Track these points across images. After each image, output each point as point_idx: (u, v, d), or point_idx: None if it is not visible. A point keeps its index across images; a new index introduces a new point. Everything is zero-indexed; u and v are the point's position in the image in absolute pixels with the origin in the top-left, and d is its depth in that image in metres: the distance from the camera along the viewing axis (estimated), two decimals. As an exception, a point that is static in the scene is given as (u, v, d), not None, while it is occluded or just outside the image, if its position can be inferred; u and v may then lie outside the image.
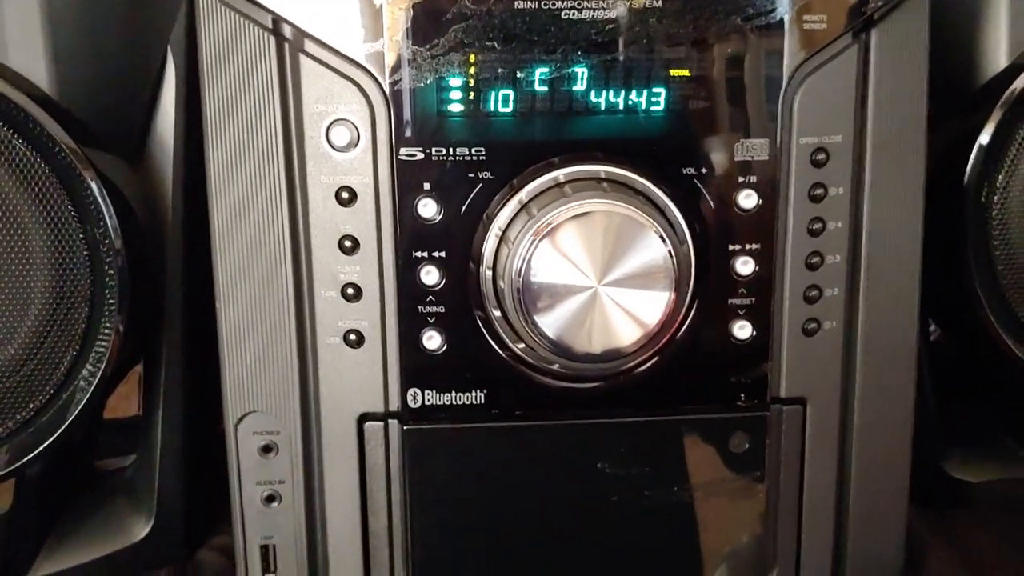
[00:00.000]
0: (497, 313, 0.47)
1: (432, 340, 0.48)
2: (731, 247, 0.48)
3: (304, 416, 0.49)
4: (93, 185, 0.52)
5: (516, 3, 0.45)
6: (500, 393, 0.49)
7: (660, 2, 0.45)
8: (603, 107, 0.46)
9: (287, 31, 0.46)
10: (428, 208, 0.46)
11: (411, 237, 0.47)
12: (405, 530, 0.50)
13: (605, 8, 0.45)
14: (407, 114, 0.46)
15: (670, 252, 0.44)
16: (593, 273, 0.44)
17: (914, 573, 0.57)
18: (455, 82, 0.45)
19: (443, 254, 0.47)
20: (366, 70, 0.46)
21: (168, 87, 0.57)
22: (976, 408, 0.71)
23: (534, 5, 0.45)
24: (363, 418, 0.49)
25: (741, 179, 0.47)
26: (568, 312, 0.45)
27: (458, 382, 0.48)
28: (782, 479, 0.51)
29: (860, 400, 0.51)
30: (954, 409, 0.69)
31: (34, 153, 0.51)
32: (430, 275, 0.47)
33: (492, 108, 0.46)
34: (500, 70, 0.45)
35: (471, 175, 0.46)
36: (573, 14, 0.45)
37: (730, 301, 0.48)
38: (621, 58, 0.46)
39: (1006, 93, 0.51)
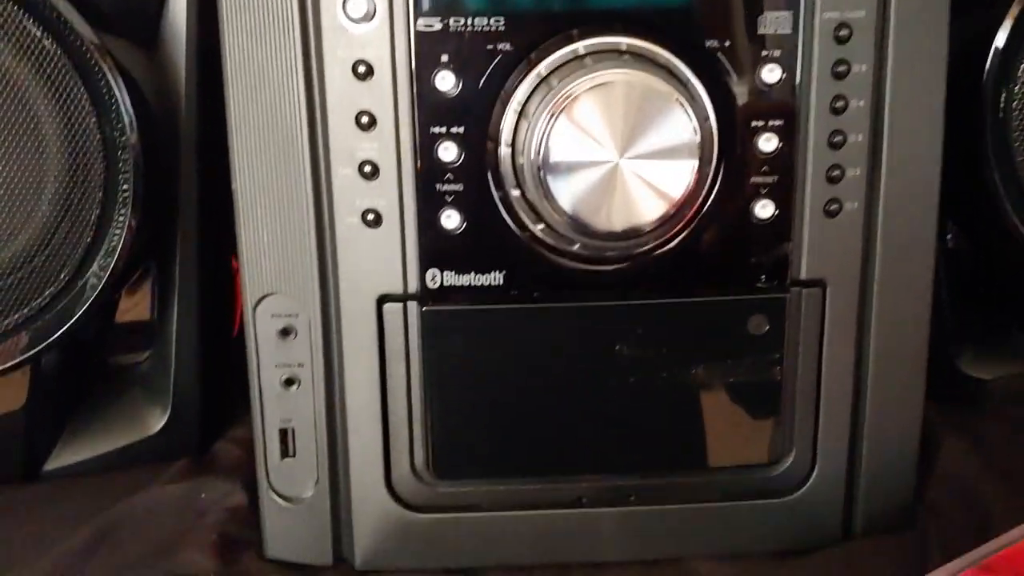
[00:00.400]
0: (516, 193, 0.47)
1: (450, 219, 0.47)
2: (754, 123, 0.47)
3: (323, 298, 0.49)
4: (110, 77, 0.51)
5: None
6: (519, 274, 0.48)
7: None
8: (625, -23, 0.45)
9: (302, -102, 0.45)
10: (446, 81, 0.46)
11: (429, 112, 0.46)
12: (424, 411, 0.50)
13: None
14: (425, -18, 0.45)
15: (694, 126, 0.44)
16: (614, 147, 0.44)
17: (928, 462, 0.57)
18: (475, -52, 0.44)
19: (461, 130, 0.46)
20: (384, -63, 0.45)
21: (180, -36, 0.56)
22: (990, 310, 0.71)
23: None
24: (382, 299, 0.49)
25: (765, 53, 0.46)
26: (588, 187, 0.44)
27: (477, 263, 0.48)
28: (800, 363, 0.51)
29: (880, 284, 0.50)
30: (968, 310, 0.69)
31: (49, 38, 0.50)
32: (448, 152, 0.46)
33: (511, -24, 0.45)
34: (520, -64, 0.44)
35: (489, 47, 0.45)
36: None
37: (752, 179, 0.48)
38: (644, -73, 0.44)
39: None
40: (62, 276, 0.54)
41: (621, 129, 0.43)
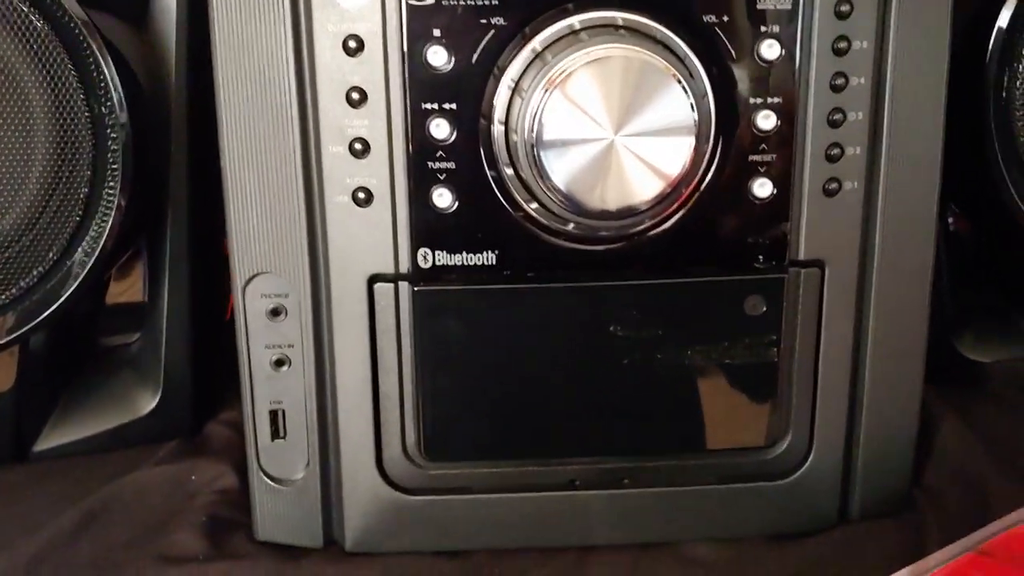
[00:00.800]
0: (509, 171, 0.46)
1: (442, 198, 0.47)
2: (752, 100, 0.46)
3: (313, 277, 0.49)
4: (99, 54, 0.50)
5: None
6: (512, 254, 0.48)
7: None
8: (620, -50, 0.44)
9: None
10: (438, 57, 0.45)
11: (420, 88, 0.45)
12: (416, 393, 0.49)
13: None
14: (416, -46, 0.44)
15: (691, 103, 0.43)
16: (610, 124, 0.43)
17: (926, 445, 0.56)
18: (466, -81, 0.43)
19: (454, 106, 0.45)
20: (374, -94, 0.44)
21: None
22: (990, 293, 0.71)
23: None
24: (373, 279, 0.48)
25: (764, 28, 0.45)
26: (583, 165, 0.43)
27: (469, 242, 0.47)
28: (798, 345, 0.50)
29: (879, 265, 0.50)
30: (968, 293, 0.68)
31: (37, 15, 0.50)
32: (440, 129, 0.46)
33: (504, -52, 0.44)
34: (513, -93, 0.43)
35: (483, 21, 0.44)
36: None
37: (750, 157, 0.47)
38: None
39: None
40: (50, 256, 0.54)
41: (617, 106, 0.43)
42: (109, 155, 0.52)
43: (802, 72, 0.46)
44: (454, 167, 0.46)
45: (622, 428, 0.50)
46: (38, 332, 0.54)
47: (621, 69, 0.42)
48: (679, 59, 0.44)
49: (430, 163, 0.46)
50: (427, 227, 0.47)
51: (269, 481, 0.52)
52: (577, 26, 0.44)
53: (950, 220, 0.68)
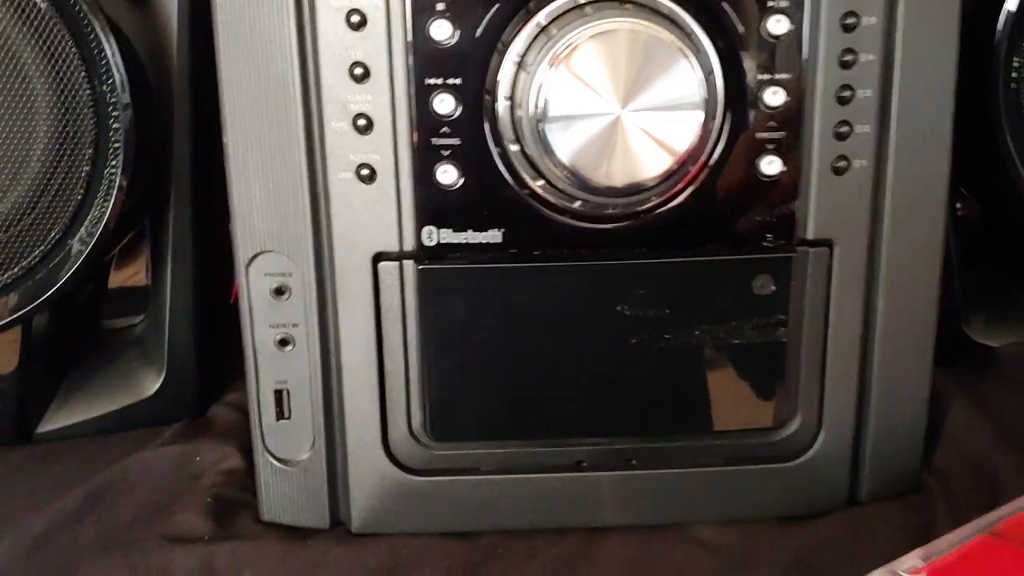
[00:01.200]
0: (515, 147, 0.45)
1: (447, 175, 0.46)
2: (760, 76, 0.45)
3: (317, 256, 0.48)
4: (101, 33, 0.50)
5: None
6: (518, 232, 0.47)
7: None
8: (626, -77, 0.43)
9: None
10: (442, 31, 0.44)
11: (424, 62, 0.45)
12: (421, 372, 0.49)
13: None
14: (418, -75, 0.43)
15: (699, 78, 0.42)
16: (616, 99, 0.42)
17: (935, 427, 0.56)
18: None
19: (458, 81, 0.45)
20: None
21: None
22: (999, 276, 0.70)
23: None
24: (377, 257, 0.48)
25: (771, 3, 0.45)
26: (589, 141, 0.43)
27: (474, 220, 0.47)
28: (806, 325, 0.49)
29: (888, 244, 0.49)
30: (977, 277, 0.68)
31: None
32: (444, 104, 0.45)
33: (507, -82, 0.43)
34: None
35: (487, -6, 0.44)
36: None
37: (758, 135, 0.46)
38: None
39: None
40: (51, 236, 0.53)
41: (623, 81, 0.42)
42: (111, 134, 0.52)
43: (811, 48, 0.46)
44: (459, 143, 0.46)
45: (629, 409, 0.50)
46: (40, 313, 0.54)
47: (627, 43, 0.42)
48: (686, 33, 0.43)
49: (434, 139, 0.46)
50: (431, 204, 0.47)
51: (274, 461, 0.52)
52: (582, 0, 0.44)
53: (958, 205, 0.68)
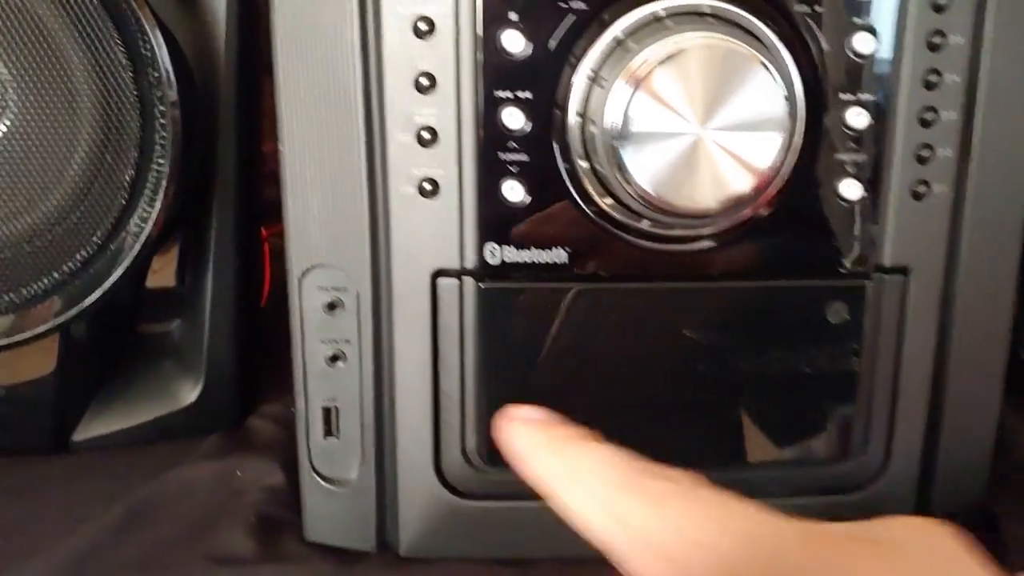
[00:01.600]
0: (584, 164, 0.44)
1: (513, 191, 0.44)
2: (843, 96, 0.44)
3: (374, 271, 0.46)
4: (148, 29, 0.48)
5: None
6: (584, 252, 0.45)
7: None
8: (708, -67, 0.42)
9: None
10: (514, 41, 0.42)
11: (494, 74, 0.43)
12: (478, 393, 0.47)
13: None
14: (492, -69, 0.41)
15: (783, 96, 0.40)
16: (696, 117, 0.40)
17: (1002, 456, 0.54)
18: None
19: (528, 95, 0.43)
20: None
21: None
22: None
23: None
24: (437, 274, 0.46)
25: (857, 20, 0.43)
26: (667, 160, 0.41)
27: (539, 238, 0.45)
28: (879, 354, 0.47)
29: (964, 272, 0.47)
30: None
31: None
32: (513, 118, 0.43)
33: (584, -73, 0.41)
34: None
35: (562, 5, 0.42)
36: None
37: (839, 156, 0.44)
38: None
39: None
40: (95, 239, 0.52)
41: (704, 98, 0.40)
42: (157, 136, 0.50)
43: (895, 67, 0.44)
44: (527, 159, 0.44)
45: (694, 437, 0.48)
46: (84, 317, 0.53)
47: (708, 59, 0.40)
48: (767, 49, 0.42)
49: (501, 154, 0.44)
50: (496, 221, 0.45)
51: (321, 481, 0.50)
52: (661, 13, 0.42)
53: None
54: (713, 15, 0.42)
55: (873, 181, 0.45)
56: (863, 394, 0.48)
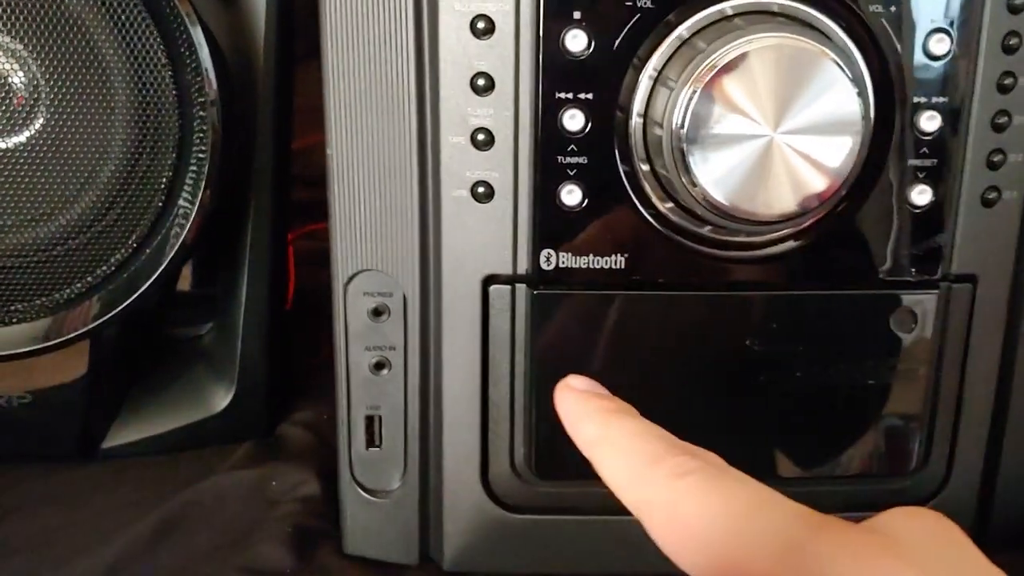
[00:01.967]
0: (645, 167, 0.42)
1: (572, 195, 0.43)
2: (916, 99, 0.42)
3: (423, 276, 0.45)
4: (189, 26, 0.47)
5: None
6: (642, 258, 0.44)
7: None
8: (777, -71, 0.40)
9: None
10: (576, 41, 0.41)
11: (555, 75, 0.41)
12: (529, 404, 0.46)
13: None
14: (556, -73, 0.40)
15: (856, 99, 0.39)
16: (769, 119, 0.39)
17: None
18: None
19: (590, 96, 0.41)
20: None
21: None
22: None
23: None
24: (488, 280, 0.44)
25: (932, 21, 0.41)
26: (736, 164, 0.39)
27: (597, 244, 0.43)
28: (944, 364, 0.46)
29: (1032, 281, 0.46)
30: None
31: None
32: (574, 120, 0.42)
33: (652, -76, 0.40)
34: None
35: (627, 3, 0.40)
36: None
37: (910, 162, 0.43)
38: None
39: None
40: (131, 241, 0.50)
41: (775, 100, 0.38)
42: (195, 136, 0.49)
43: (969, 70, 0.42)
44: (585, 162, 0.42)
45: (752, 449, 0.47)
46: (117, 321, 0.51)
47: (781, 59, 0.38)
48: (840, 49, 0.40)
49: (560, 157, 0.42)
50: (552, 226, 0.43)
51: (362, 492, 0.49)
52: (730, 11, 0.40)
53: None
54: (783, 14, 0.40)
55: (944, 187, 0.43)
56: (926, 407, 0.46)
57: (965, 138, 0.43)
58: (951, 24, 0.41)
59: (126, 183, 0.50)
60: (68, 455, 0.56)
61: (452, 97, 0.42)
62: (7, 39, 0.46)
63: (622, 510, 0.47)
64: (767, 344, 0.45)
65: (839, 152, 0.39)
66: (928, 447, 0.47)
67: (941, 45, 0.41)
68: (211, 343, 0.61)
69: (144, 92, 0.48)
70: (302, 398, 0.63)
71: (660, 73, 0.41)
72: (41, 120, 0.47)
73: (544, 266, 0.44)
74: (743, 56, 0.38)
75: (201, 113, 0.49)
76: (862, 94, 0.40)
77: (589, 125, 0.42)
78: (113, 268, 0.50)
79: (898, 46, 0.41)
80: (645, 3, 0.40)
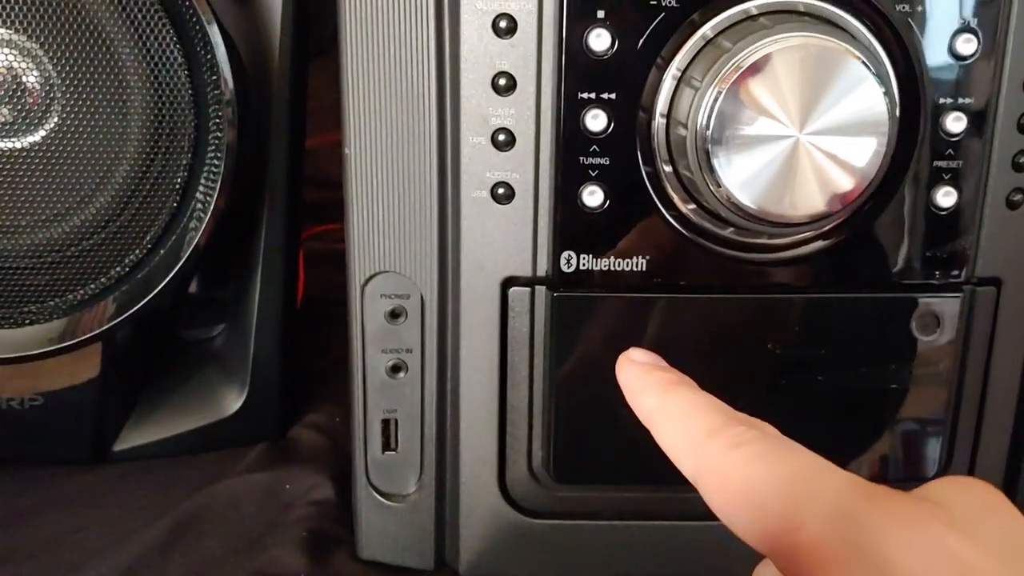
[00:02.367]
0: (668, 168, 0.42)
1: (594, 196, 0.42)
2: (942, 100, 0.42)
3: (441, 278, 0.44)
4: (206, 25, 0.46)
5: None
6: (664, 260, 0.43)
7: None
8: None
9: None
10: (601, 40, 0.40)
11: (577, 75, 0.41)
12: (547, 407, 0.45)
13: None
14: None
15: (884, 100, 0.38)
16: (795, 120, 0.38)
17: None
18: None
19: (613, 96, 0.41)
20: None
21: None
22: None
23: None
24: (507, 282, 0.44)
25: (960, 21, 0.41)
26: (762, 166, 0.39)
27: (618, 246, 0.43)
28: (967, 369, 0.45)
29: (1056, 285, 0.45)
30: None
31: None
32: (597, 120, 0.41)
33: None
34: None
35: (652, 2, 0.40)
36: None
37: (935, 163, 0.42)
38: None
39: None
40: (145, 242, 0.50)
41: (801, 100, 0.38)
42: (211, 137, 0.49)
43: (996, 70, 0.42)
44: (608, 163, 0.42)
45: (774, 454, 0.46)
46: (131, 322, 0.51)
47: (807, 59, 0.38)
48: (866, 49, 0.39)
49: (582, 158, 0.42)
50: (573, 228, 0.43)
51: (377, 496, 0.48)
52: (754, 11, 0.40)
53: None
54: (809, 13, 0.40)
55: (969, 189, 0.43)
56: (948, 410, 0.46)
57: (991, 139, 0.42)
58: (978, 24, 0.41)
59: (141, 183, 0.49)
60: (80, 458, 0.55)
61: (473, 97, 0.42)
62: (21, 38, 0.46)
63: (641, 515, 0.47)
64: (788, 347, 0.44)
65: (865, 152, 0.39)
66: (950, 451, 0.47)
67: (968, 45, 0.41)
68: (223, 345, 0.60)
69: (160, 91, 0.48)
70: (313, 401, 0.62)
71: (684, 73, 0.40)
72: (55, 119, 0.47)
73: (564, 268, 0.43)
74: (768, 56, 0.38)
75: (217, 113, 0.48)
76: (888, 93, 0.39)
77: (612, 126, 0.41)
78: (128, 269, 0.50)
79: (924, 46, 0.41)
80: (669, 2, 0.40)
